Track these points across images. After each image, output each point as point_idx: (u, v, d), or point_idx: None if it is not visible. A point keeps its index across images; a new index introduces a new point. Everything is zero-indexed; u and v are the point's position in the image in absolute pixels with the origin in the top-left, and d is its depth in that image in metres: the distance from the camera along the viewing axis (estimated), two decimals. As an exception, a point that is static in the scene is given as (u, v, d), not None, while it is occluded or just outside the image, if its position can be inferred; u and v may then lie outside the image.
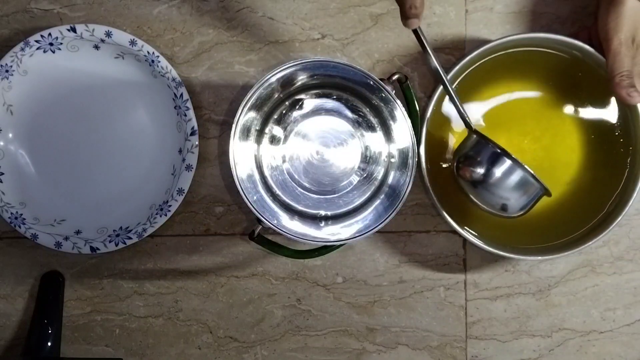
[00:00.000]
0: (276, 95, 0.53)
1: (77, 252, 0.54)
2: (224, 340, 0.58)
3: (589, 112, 0.57)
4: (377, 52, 0.56)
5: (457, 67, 0.53)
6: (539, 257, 0.55)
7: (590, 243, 0.54)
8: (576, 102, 0.56)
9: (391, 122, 0.53)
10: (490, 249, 0.54)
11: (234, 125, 0.52)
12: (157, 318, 0.58)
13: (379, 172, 0.54)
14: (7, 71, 0.53)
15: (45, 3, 0.56)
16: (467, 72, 0.55)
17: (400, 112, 0.51)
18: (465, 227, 0.55)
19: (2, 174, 0.55)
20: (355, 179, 0.54)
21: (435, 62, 0.48)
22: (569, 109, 0.57)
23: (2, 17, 0.56)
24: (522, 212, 0.52)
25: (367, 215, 0.53)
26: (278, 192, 0.55)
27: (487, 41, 0.53)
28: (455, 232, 0.55)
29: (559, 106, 0.57)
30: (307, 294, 0.58)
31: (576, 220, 0.57)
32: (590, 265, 0.58)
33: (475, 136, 0.51)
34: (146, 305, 0.58)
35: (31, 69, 0.54)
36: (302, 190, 0.55)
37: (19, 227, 0.54)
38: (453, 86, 0.52)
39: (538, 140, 0.57)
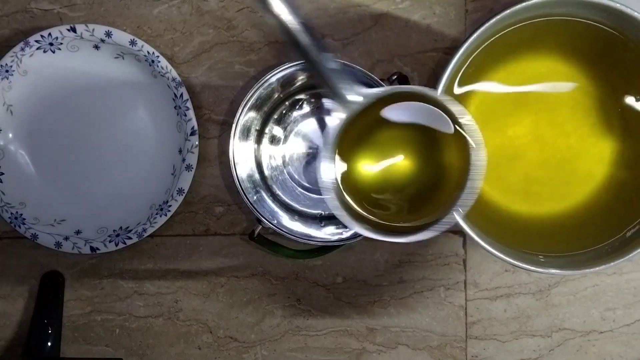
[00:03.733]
0: (276, 95, 0.53)
1: (77, 252, 0.54)
2: (224, 340, 0.58)
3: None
4: (377, 52, 0.56)
5: (486, 25, 0.45)
6: (552, 271, 0.47)
7: (606, 266, 0.47)
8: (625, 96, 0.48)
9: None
10: (501, 255, 0.47)
11: (234, 125, 0.52)
12: (157, 318, 0.58)
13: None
14: (7, 71, 0.53)
15: (45, 3, 0.56)
16: (496, 37, 0.48)
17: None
18: (469, 223, 0.49)
19: (2, 174, 0.55)
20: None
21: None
22: (618, 105, 0.49)
23: (2, 17, 0.56)
24: None
25: (367, 215, 0.53)
26: (278, 192, 0.55)
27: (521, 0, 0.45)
28: (455, 232, 0.55)
29: (604, 100, 0.49)
30: (307, 294, 0.58)
31: (591, 236, 0.50)
32: (590, 265, 0.58)
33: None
34: (146, 305, 0.58)
35: (31, 69, 0.54)
36: (302, 190, 0.55)
37: (19, 227, 0.54)
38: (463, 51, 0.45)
39: (567, 136, 0.50)
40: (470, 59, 0.49)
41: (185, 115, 0.54)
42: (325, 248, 0.55)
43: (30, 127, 0.56)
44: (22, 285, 0.58)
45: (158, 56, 0.53)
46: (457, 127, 0.43)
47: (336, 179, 0.44)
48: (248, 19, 0.56)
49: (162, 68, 0.53)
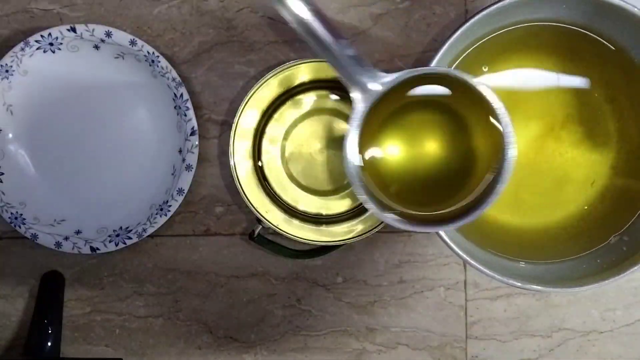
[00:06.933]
0: (276, 95, 0.53)
1: (77, 252, 0.54)
2: (224, 340, 0.58)
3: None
4: (377, 52, 0.56)
5: (471, 22, 0.43)
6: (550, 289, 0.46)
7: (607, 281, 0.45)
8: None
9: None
10: (494, 274, 0.45)
11: (233, 126, 0.52)
12: (157, 318, 0.58)
13: (379, 172, 0.54)
14: (7, 71, 0.53)
15: (45, 3, 0.56)
16: (485, 39, 0.47)
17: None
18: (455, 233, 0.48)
19: (2, 174, 0.55)
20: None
21: None
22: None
23: (2, 17, 0.56)
24: None
25: (367, 215, 0.53)
26: (278, 192, 0.55)
27: None
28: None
29: (600, 107, 0.47)
30: (307, 294, 0.58)
31: (581, 244, 0.49)
32: (590, 265, 0.58)
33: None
34: (146, 305, 0.58)
35: (31, 69, 0.54)
36: (302, 191, 0.55)
37: (19, 227, 0.54)
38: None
39: (561, 142, 0.47)
40: (457, 61, 0.48)
41: (185, 115, 0.54)
42: (325, 248, 0.55)
43: (30, 127, 0.56)
44: (22, 285, 0.58)
45: (158, 56, 0.53)
46: (486, 113, 0.42)
47: (360, 167, 0.43)
48: (248, 19, 0.56)
49: (162, 68, 0.53)
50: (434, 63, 0.44)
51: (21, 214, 0.55)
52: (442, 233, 0.45)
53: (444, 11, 0.56)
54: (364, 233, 0.53)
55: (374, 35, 0.56)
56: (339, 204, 0.54)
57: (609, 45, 0.47)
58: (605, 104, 0.48)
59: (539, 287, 0.45)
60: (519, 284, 0.45)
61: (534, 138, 0.49)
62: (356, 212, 0.54)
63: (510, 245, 0.50)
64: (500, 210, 0.50)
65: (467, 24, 0.44)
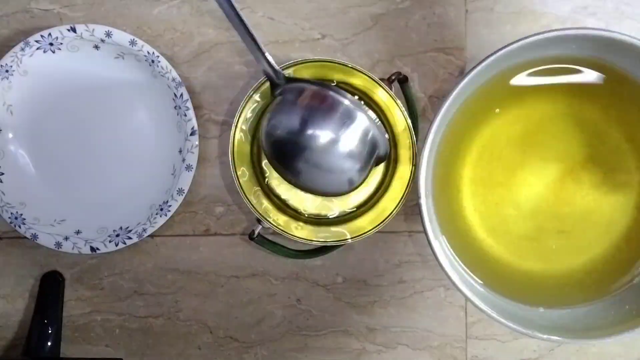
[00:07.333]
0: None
1: (77, 252, 0.54)
2: (224, 340, 0.58)
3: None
4: (377, 52, 0.56)
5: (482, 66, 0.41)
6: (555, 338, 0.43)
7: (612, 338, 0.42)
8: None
9: (391, 123, 0.53)
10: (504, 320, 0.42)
11: (233, 126, 0.52)
12: (157, 318, 0.58)
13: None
14: (7, 71, 0.53)
15: (45, 3, 0.56)
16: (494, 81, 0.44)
17: (400, 112, 0.51)
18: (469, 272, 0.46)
19: (2, 174, 0.55)
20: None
21: None
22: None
23: (2, 17, 0.56)
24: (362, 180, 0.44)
25: (367, 215, 0.53)
26: (278, 191, 0.55)
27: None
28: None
29: (620, 145, 0.45)
30: (307, 294, 0.58)
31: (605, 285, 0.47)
32: (590, 266, 0.58)
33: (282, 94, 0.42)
34: (146, 305, 0.58)
35: (31, 69, 0.54)
36: (302, 191, 0.55)
37: (19, 227, 0.54)
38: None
39: (582, 184, 0.45)
40: (468, 101, 0.45)
41: (185, 115, 0.54)
42: (325, 248, 0.55)
43: (30, 127, 0.56)
44: (22, 285, 0.58)
45: (158, 56, 0.53)
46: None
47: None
48: (248, 19, 0.56)
49: (162, 68, 0.53)
50: (443, 110, 0.42)
51: (21, 214, 0.55)
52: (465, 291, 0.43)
53: (444, 11, 0.56)
54: (364, 233, 0.53)
55: (374, 35, 0.56)
56: (339, 204, 0.54)
57: (624, 82, 0.45)
58: (624, 143, 0.46)
59: (562, 339, 0.43)
60: (545, 337, 0.42)
61: (553, 181, 0.47)
62: (356, 212, 0.54)
63: (533, 292, 0.47)
64: (522, 257, 0.48)
65: (476, 70, 0.42)
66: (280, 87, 0.48)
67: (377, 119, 0.46)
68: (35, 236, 0.54)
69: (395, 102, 0.52)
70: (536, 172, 0.46)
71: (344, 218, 0.54)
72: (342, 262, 0.58)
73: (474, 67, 0.41)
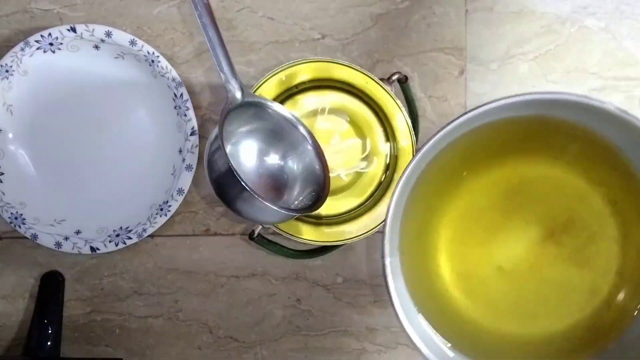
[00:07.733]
0: (276, 95, 0.53)
1: (77, 252, 0.54)
2: (224, 340, 0.58)
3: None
4: (377, 52, 0.56)
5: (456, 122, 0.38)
6: None
7: None
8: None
9: (391, 123, 0.53)
10: None
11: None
12: (157, 318, 0.58)
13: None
14: (7, 71, 0.53)
15: (45, 3, 0.56)
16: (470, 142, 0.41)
17: (400, 112, 0.52)
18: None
19: (2, 174, 0.55)
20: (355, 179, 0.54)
21: None
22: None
23: (2, 17, 0.56)
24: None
25: (367, 216, 0.53)
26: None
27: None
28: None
29: (601, 209, 0.43)
30: (307, 294, 0.58)
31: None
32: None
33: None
34: (146, 305, 0.58)
35: (31, 69, 0.54)
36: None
37: (19, 227, 0.54)
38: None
39: (563, 247, 0.43)
40: (439, 157, 0.42)
41: (185, 115, 0.54)
42: (325, 248, 0.55)
43: (30, 127, 0.56)
44: (22, 285, 0.58)
45: (158, 56, 0.53)
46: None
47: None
48: (248, 19, 0.56)
49: (162, 68, 0.53)
50: (412, 166, 0.39)
51: (21, 214, 0.55)
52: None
53: (444, 11, 0.56)
54: (364, 233, 0.53)
55: (374, 35, 0.56)
56: (339, 205, 0.54)
57: (604, 146, 0.42)
58: (606, 207, 0.45)
59: None
60: None
61: (534, 243, 0.45)
62: (356, 212, 0.54)
63: (509, 357, 0.45)
64: (500, 319, 0.46)
65: (447, 128, 0.39)
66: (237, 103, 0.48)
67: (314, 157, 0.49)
68: (35, 236, 0.54)
69: (395, 102, 0.52)
70: (517, 233, 0.45)
71: (344, 218, 0.54)
72: (342, 262, 0.58)
73: (446, 126, 0.39)
